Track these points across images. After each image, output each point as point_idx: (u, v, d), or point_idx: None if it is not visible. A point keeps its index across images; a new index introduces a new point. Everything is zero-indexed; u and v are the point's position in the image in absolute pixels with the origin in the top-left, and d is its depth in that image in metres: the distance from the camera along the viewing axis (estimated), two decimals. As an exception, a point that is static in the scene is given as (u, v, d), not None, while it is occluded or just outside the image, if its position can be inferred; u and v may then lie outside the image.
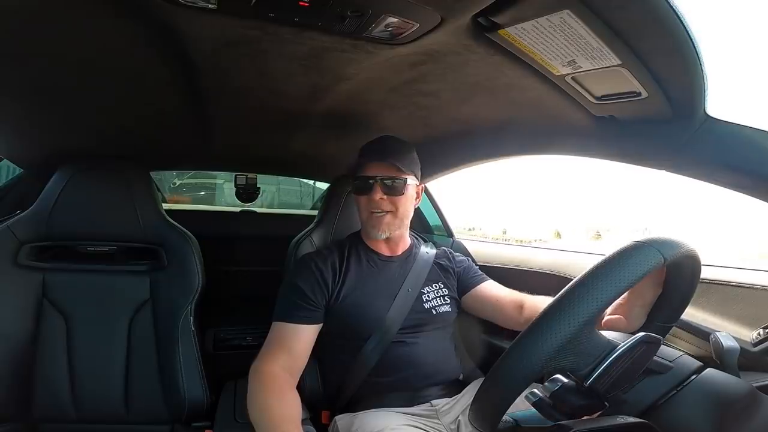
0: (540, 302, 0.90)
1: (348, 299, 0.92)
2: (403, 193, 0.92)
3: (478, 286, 1.02)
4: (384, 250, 1.01)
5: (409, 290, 0.96)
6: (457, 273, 1.04)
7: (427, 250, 1.05)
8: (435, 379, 0.93)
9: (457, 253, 1.10)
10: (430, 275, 1.00)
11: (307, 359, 0.88)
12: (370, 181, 0.91)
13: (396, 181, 0.91)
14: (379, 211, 0.92)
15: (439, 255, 1.06)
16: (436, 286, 1.00)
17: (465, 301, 1.02)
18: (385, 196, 0.91)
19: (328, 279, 0.93)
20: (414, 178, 0.95)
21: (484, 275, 1.06)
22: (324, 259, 0.96)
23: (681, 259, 0.46)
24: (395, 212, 0.93)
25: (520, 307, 0.93)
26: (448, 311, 0.98)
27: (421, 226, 1.67)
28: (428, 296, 0.97)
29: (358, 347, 0.91)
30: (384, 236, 0.95)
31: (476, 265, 1.11)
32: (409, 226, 1.02)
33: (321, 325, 0.92)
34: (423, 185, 1.03)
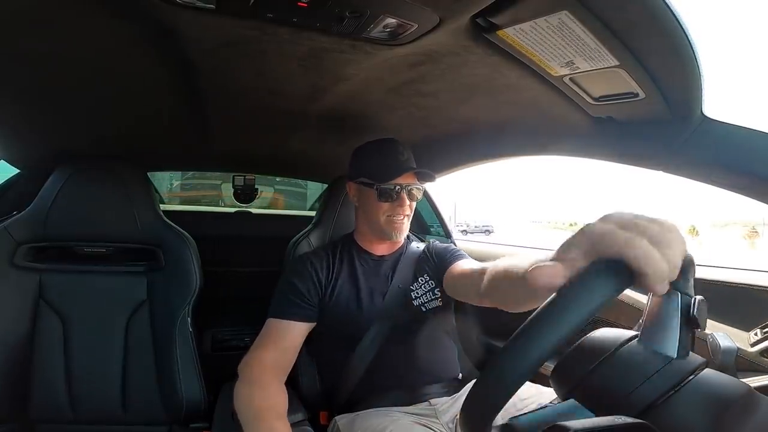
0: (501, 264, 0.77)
1: (340, 297, 0.94)
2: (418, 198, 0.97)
3: (452, 265, 0.96)
4: (377, 250, 1.01)
5: (399, 286, 0.96)
6: (439, 258, 1.00)
7: (417, 246, 1.05)
8: (432, 377, 0.94)
9: (439, 243, 1.07)
10: (417, 269, 1.00)
11: (296, 356, 0.90)
12: (398, 189, 0.93)
13: (419, 189, 0.96)
14: (401, 216, 0.95)
15: (425, 247, 1.05)
16: (422, 280, 0.98)
17: (445, 284, 0.96)
18: (408, 202, 0.95)
19: (322, 277, 0.95)
20: None
21: (461, 253, 1.00)
22: (319, 258, 0.98)
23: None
24: (409, 215, 0.97)
25: (482, 274, 0.83)
26: (438, 306, 0.97)
27: (418, 227, 1.67)
28: (417, 293, 0.97)
29: (352, 346, 0.91)
30: (402, 237, 0.99)
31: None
32: None
33: (313, 324, 0.92)
34: None
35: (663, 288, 0.32)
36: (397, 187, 0.93)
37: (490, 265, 0.79)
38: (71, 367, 1.03)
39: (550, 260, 0.35)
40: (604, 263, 0.32)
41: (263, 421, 0.72)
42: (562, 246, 0.35)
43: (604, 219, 0.34)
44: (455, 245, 1.34)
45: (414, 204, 0.97)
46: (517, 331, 0.36)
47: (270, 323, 0.90)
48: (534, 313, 0.36)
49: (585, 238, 0.34)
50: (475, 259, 1.15)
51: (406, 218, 0.96)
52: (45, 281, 1.05)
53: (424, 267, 1.01)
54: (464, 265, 0.94)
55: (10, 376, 0.99)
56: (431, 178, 0.95)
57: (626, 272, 0.31)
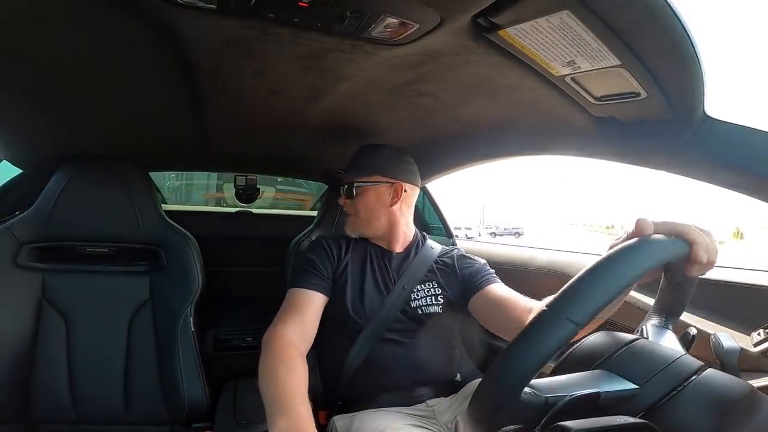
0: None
1: (347, 284, 0.96)
2: (354, 196, 1.00)
3: (487, 287, 0.94)
4: (384, 245, 1.02)
5: (405, 286, 0.96)
6: (463, 275, 0.99)
7: (431, 247, 1.04)
8: (429, 379, 0.93)
9: (468, 255, 1.05)
10: (427, 274, 0.99)
11: (316, 328, 0.89)
12: (342, 186, 1.03)
13: (349, 186, 1.01)
14: (347, 213, 1.03)
15: (442, 254, 1.04)
16: (428, 285, 0.98)
17: (472, 304, 0.95)
18: (347, 200, 1.02)
19: (336, 255, 0.99)
20: (377, 177, 0.99)
21: (495, 276, 0.98)
22: (336, 241, 1.03)
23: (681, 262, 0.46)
24: (357, 214, 1.01)
25: (530, 311, 0.82)
26: (437, 312, 0.95)
27: (420, 226, 1.67)
28: (417, 295, 0.96)
29: (351, 339, 0.92)
30: (354, 235, 1.03)
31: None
32: (398, 224, 1.01)
33: (328, 298, 0.94)
34: (402, 185, 1.00)
35: (704, 259, 0.43)
36: (342, 185, 1.03)
37: (536, 303, 0.80)
38: (74, 367, 1.04)
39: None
40: (668, 233, 0.43)
41: (290, 406, 0.67)
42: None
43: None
44: (457, 246, 1.34)
45: (354, 201, 1.01)
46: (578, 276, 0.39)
47: (291, 293, 0.92)
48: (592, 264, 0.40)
49: (649, 222, 0.44)
50: (483, 258, 1.12)
51: (352, 216, 1.02)
52: (48, 281, 1.05)
53: (436, 273, 0.99)
54: (502, 291, 0.92)
55: (13, 376, 1.00)
56: (346, 174, 1.02)
57: (684, 242, 0.43)
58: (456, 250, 1.06)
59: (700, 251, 0.43)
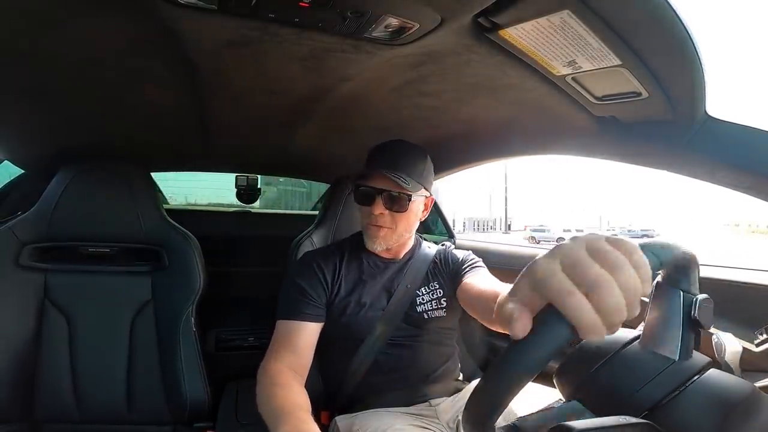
0: None
1: (347, 299, 0.93)
2: (407, 210, 0.89)
3: (468, 278, 0.91)
4: (384, 254, 0.99)
5: (408, 286, 0.95)
6: (454, 267, 0.98)
7: (428, 248, 1.03)
8: (432, 378, 0.93)
9: (457, 250, 1.05)
10: (428, 275, 0.98)
11: (312, 357, 0.88)
12: (372, 192, 0.88)
13: (401, 196, 0.87)
14: (376, 224, 0.90)
15: (438, 252, 1.03)
16: (431, 287, 0.97)
17: (459, 296, 0.93)
18: (386, 211, 0.88)
19: (329, 277, 0.93)
20: (423, 191, 0.92)
21: (479, 265, 0.95)
22: (325, 257, 0.96)
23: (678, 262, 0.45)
24: (394, 228, 0.90)
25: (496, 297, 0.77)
26: (443, 316, 0.94)
27: (421, 226, 1.67)
28: (422, 299, 0.95)
29: (355, 347, 0.91)
30: (379, 249, 0.93)
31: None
32: (413, 235, 1.00)
33: (323, 323, 0.91)
34: (433, 198, 0.98)
35: (601, 337, 0.28)
36: (372, 190, 0.87)
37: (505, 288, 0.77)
38: (76, 367, 1.04)
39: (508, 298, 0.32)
40: (546, 315, 0.29)
41: (290, 414, 0.67)
42: (513, 288, 0.33)
43: (551, 254, 0.31)
44: (454, 245, 1.33)
45: (400, 216, 0.89)
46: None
47: (280, 326, 0.88)
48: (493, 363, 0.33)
49: (528, 280, 0.31)
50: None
51: (386, 229, 0.89)
52: (50, 281, 1.06)
53: (435, 274, 0.99)
54: (481, 282, 0.88)
55: (17, 375, 1.00)
56: (404, 183, 0.85)
57: (565, 324, 0.28)
58: (448, 246, 1.06)
59: (586, 335, 0.27)
